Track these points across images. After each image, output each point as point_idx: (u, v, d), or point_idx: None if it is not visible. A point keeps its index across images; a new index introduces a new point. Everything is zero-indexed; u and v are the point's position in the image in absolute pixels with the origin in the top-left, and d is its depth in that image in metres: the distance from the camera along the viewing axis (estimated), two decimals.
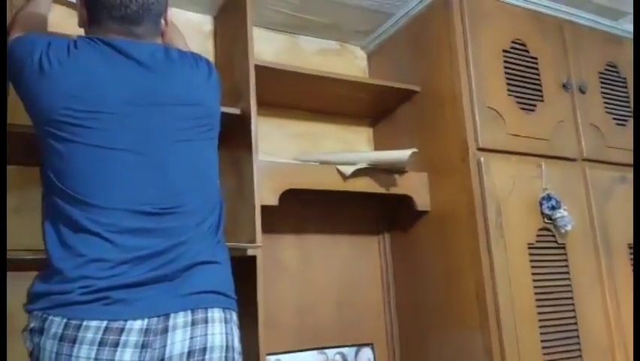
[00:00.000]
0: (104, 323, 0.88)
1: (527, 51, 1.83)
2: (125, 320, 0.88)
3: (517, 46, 1.81)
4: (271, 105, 1.88)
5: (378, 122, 2.08)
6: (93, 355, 0.86)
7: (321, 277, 1.84)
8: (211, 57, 1.84)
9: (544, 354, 1.55)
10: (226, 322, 0.96)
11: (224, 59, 1.79)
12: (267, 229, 1.65)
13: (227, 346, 0.94)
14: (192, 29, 1.82)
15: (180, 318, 0.91)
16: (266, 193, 1.51)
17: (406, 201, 1.77)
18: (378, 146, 2.07)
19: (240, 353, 1.00)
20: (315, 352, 1.71)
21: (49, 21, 1.27)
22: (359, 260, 1.93)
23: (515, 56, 1.79)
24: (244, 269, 1.48)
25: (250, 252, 1.43)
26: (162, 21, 1.14)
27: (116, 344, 0.87)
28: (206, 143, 1.09)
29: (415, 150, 1.66)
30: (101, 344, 0.87)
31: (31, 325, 0.92)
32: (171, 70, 1.08)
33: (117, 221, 0.95)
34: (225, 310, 0.97)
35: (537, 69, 1.82)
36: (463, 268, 1.62)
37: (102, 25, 1.07)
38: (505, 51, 1.77)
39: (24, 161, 1.46)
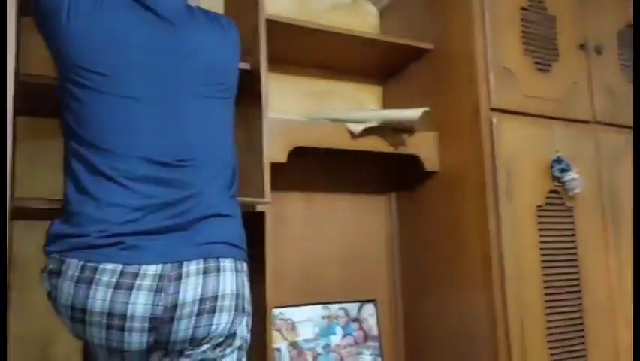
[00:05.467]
0: (120, 267, 0.90)
1: (545, 9, 1.77)
2: (140, 265, 0.90)
3: (536, 3, 1.76)
4: (280, 61, 1.85)
5: (389, 80, 2.05)
6: (109, 297, 0.89)
7: (327, 234, 1.86)
8: (221, 9, 1.80)
9: (547, 314, 1.58)
10: (237, 271, 0.98)
11: (234, 12, 1.75)
12: (274, 185, 1.66)
13: (237, 294, 0.96)
14: None
15: (193, 266, 0.93)
16: (275, 150, 1.50)
17: (414, 161, 1.76)
18: (388, 105, 2.04)
19: (250, 303, 1.02)
20: (319, 307, 1.74)
21: None
22: (366, 219, 1.94)
23: (534, 14, 1.74)
24: (252, 225, 1.49)
25: (259, 207, 1.44)
26: None
27: (131, 288, 0.89)
28: (222, 102, 1.10)
29: (427, 108, 1.64)
30: (117, 286, 0.89)
31: (50, 267, 0.95)
32: (192, 26, 1.08)
33: (133, 168, 0.96)
34: (237, 260, 0.99)
35: (554, 28, 1.78)
36: (470, 229, 1.62)
37: None
38: (522, 8, 1.72)
39: (36, 112, 1.45)
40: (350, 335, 1.77)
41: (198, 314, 0.91)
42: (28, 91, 1.25)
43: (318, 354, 1.70)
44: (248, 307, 1.00)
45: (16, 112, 1.43)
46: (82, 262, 0.90)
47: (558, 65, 1.76)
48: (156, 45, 1.02)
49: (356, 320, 1.80)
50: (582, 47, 1.81)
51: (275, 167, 1.52)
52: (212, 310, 0.92)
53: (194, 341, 0.92)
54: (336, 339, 1.74)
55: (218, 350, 0.94)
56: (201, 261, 0.93)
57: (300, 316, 1.71)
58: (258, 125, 1.49)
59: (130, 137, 0.96)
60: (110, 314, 0.89)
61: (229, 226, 1.01)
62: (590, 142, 1.78)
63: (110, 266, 0.89)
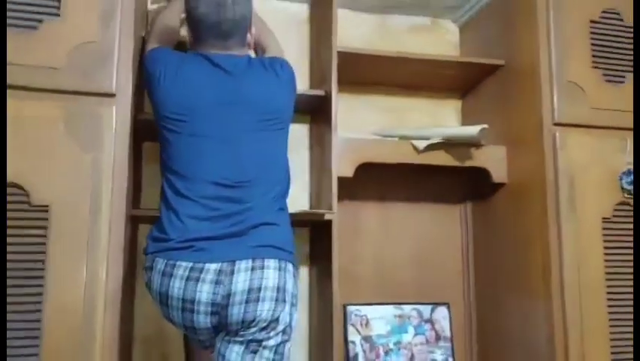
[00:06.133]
0: (190, 264, 1.20)
1: (621, 20, 1.76)
2: (205, 263, 1.19)
3: (610, 15, 1.75)
4: (359, 83, 2.05)
5: (467, 95, 2.14)
6: (182, 286, 1.19)
7: (402, 240, 2.02)
8: (306, 43, 2.06)
9: (611, 326, 1.58)
10: (280, 269, 1.22)
11: (314, 45, 2.00)
12: (351, 195, 1.89)
13: (278, 287, 1.21)
14: (290, 18, 2.04)
15: (243, 264, 1.20)
16: (343, 166, 1.71)
17: (484, 173, 1.85)
18: (466, 118, 2.14)
19: (295, 296, 1.26)
20: (392, 306, 1.92)
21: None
22: (440, 226, 2.06)
23: (606, 27, 1.74)
24: (323, 231, 1.72)
25: (327, 217, 1.66)
26: (248, 35, 1.43)
27: (198, 280, 1.19)
28: (274, 133, 1.36)
29: (484, 126, 1.74)
30: (188, 279, 1.19)
31: (146, 264, 1.28)
32: (249, 76, 1.36)
33: (203, 189, 1.26)
34: (280, 260, 1.23)
35: (632, 38, 1.75)
36: (533, 240, 1.68)
37: (203, 42, 1.38)
38: (593, 22, 1.73)
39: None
40: (422, 334, 1.92)
41: (247, 302, 1.17)
42: (147, 125, 1.60)
43: (390, 349, 1.87)
44: (291, 298, 1.23)
45: (143, 139, 1.82)
46: (165, 260, 1.21)
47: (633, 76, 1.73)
48: (221, 95, 1.31)
49: (429, 320, 1.94)
50: None
51: (352, 178, 1.72)
52: (257, 300, 1.18)
53: (245, 323, 1.18)
54: (407, 337, 1.90)
55: (264, 332, 1.19)
56: (250, 260, 1.20)
57: (374, 313, 1.89)
58: (329, 144, 1.71)
59: (201, 166, 1.27)
60: (184, 300, 1.19)
61: (275, 233, 1.26)
62: None
63: (183, 263, 1.19)
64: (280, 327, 1.21)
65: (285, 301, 1.21)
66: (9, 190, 1.29)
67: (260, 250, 1.21)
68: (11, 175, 1.30)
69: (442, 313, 1.95)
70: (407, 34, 2.17)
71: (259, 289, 1.18)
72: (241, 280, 1.18)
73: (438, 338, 1.93)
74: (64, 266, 1.29)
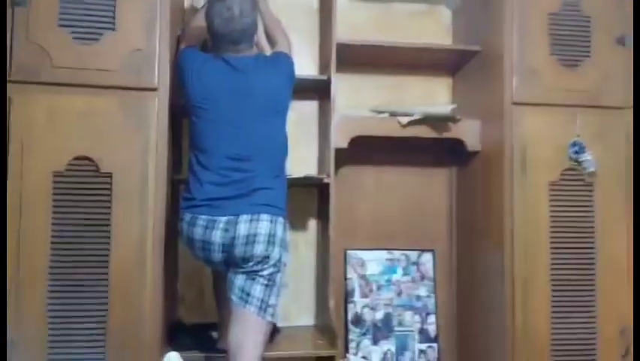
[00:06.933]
0: (207, 217, 1.67)
1: (580, 10, 2.02)
2: (217, 216, 1.66)
3: (569, 7, 2.02)
4: (361, 64, 2.40)
5: (457, 73, 2.46)
6: (202, 232, 1.67)
7: (394, 199, 2.42)
8: (316, 29, 2.42)
9: (552, 270, 1.95)
10: (271, 222, 1.66)
11: (323, 32, 2.36)
12: (353, 162, 2.30)
13: (269, 234, 1.65)
14: (301, 9, 2.41)
15: (244, 217, 1.65)
16: (339, 139, 2.11)
17: (462, 143, 2.21)
18: (456, 95, 2.46)
19: (283, 240, 1.69)
20: (384, 252, 2.34)
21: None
22: (428, 187, 2.45)
23: (564, 17, 2.01)
24: (325, 192, 2.15)
25: (325, 180, 2.08)
26: (255, 37, 1.82)
27: (213, 228, 1.66)
28: (274, 118, 1.78)
29: (454, 105, 2.09)
30: (206, 227, 1.67)
31: (180, 216, 1.76)
32: (255, 71, 1.77)
33: (218, 161, 1.71)
34: (272, 215, 1.67)
35: (588, 27, 2.02)
36: (495, 199, 2.05)
37: (219, 47, 1.79)
38: (552, 14, 2.01)
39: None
40: (409, 274, 2.34)
41: (246, 244, 1.63)
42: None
43: (381, 285, 2.32)
44: (280, 242, 1.67)
45: (182, 116, 2.28)
46: (191, 215, 1.69)
47: (589, 60, 2.01)
48: (232, 88, 1.73)
49: (415, 263, 2.36)
50: (618, 41, 2.01)
51: (353, 149, 2.11)
52: (254, 242, 1.63)
53: (245, 259, 1.64)
54: (397, 276, 2.33)
55: (259, 265, 1.64)
56: (249, 215, 1.65)
57: (369, 257, 2.33)
58: (328, 120, 2.12)
59: (217, 143, 1.71)
60: (203, 241, 1.67)
61: (270, 195, 1.69)
62: (620, 126, 2.01)
63: (203, 217, 1.67)
64: (271, 262, 1.66)
65: (274, 243, 1.66)
66: (83, 162, 1.79)
67: (257, 208, 1.66)
68: (84, 151, 1.79)
69: (427, 258, 2.37)
70: (406, 19, 2.49)
71: (255, 235, 1.64)
72: (242, 229, 1.64)
73: (423, 278, 2.35)
74: (124, 217, 1.79)
